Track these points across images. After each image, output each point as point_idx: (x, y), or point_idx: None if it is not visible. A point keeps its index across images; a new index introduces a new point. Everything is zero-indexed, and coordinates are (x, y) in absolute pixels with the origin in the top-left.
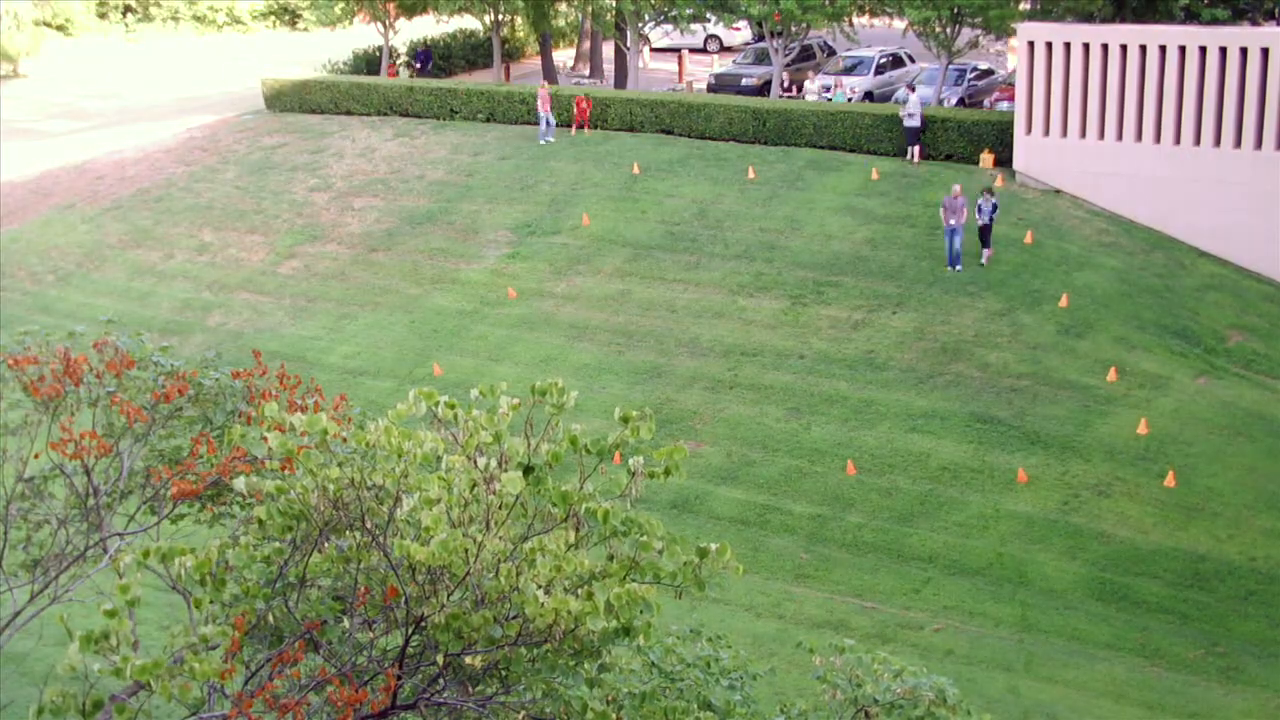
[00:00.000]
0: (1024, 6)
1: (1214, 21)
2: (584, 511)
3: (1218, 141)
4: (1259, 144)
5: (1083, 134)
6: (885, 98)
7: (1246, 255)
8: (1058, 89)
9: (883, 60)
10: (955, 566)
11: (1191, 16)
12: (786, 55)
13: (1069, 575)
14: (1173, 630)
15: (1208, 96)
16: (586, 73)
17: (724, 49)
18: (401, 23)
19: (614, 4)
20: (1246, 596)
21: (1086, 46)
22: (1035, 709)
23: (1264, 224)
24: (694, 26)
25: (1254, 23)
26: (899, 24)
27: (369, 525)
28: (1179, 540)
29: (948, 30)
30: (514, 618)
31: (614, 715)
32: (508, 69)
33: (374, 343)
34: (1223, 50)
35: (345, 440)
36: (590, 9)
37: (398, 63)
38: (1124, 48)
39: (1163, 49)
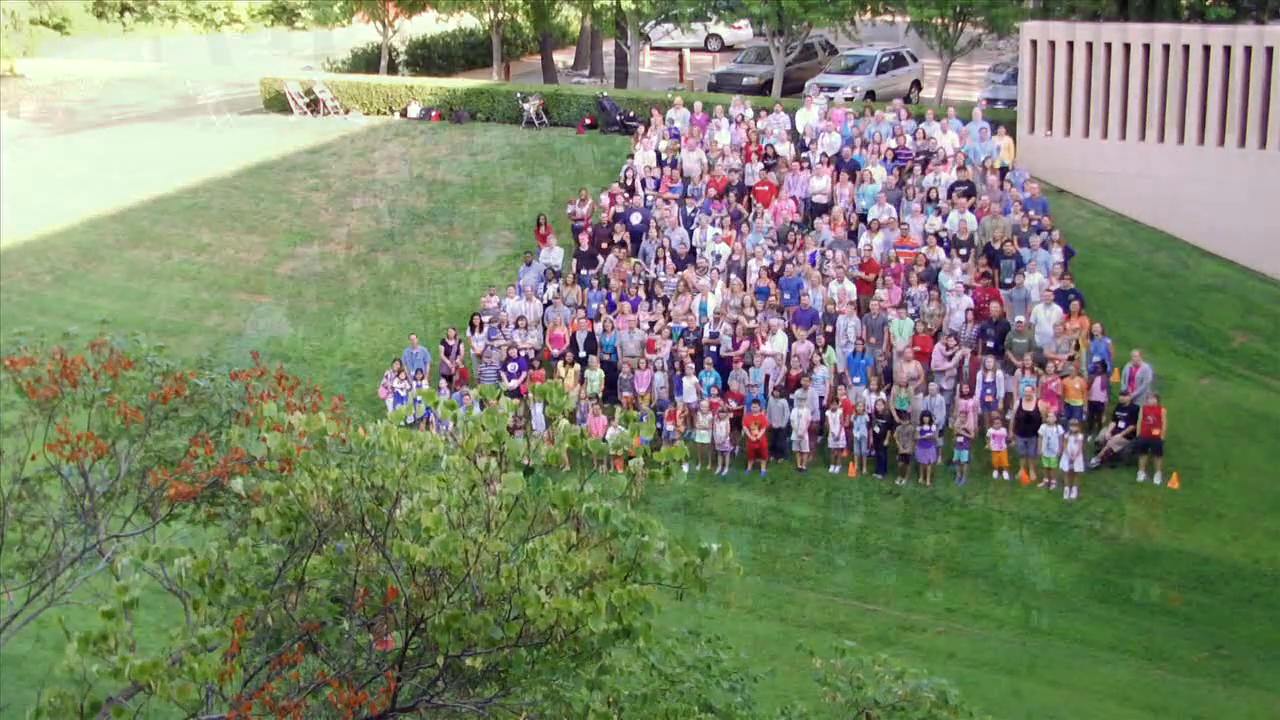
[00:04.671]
0: (1028, 5)
1: (1218, 20)
2: (584, 512)
3: (1222, 141)
4: (1263, 143)
5: (1086, 133)
6: (887, 97)
7: (1251, 255)
8: (1060, 88)
9: (885, 59)
10: (958, 568)
11: (1196, 15)
12: (788, 54)
13: (1072, 577)
14: (1177, 633)
15: (1212, 96)
16: (586, 72)
17: (725, 48)
18: (401, 21)
19: (614, 2)
20: (1251, 599)
21: (1090, 45)
22: (1038, 711)
23: (1268, 224)
24: (695, 25)
25: (1259, 21)
26: (902, 21)
27: (368, 526)
28: (1183, 542)
29: (950, 28)
30: (514, 619)
31: (614, 717)
32: (508, 68)
33: (373, 343)
34: (1227, 49)
35: (344, 441)
36: (590, 7)
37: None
38: (1127, 47)
39: (1166, 48)
